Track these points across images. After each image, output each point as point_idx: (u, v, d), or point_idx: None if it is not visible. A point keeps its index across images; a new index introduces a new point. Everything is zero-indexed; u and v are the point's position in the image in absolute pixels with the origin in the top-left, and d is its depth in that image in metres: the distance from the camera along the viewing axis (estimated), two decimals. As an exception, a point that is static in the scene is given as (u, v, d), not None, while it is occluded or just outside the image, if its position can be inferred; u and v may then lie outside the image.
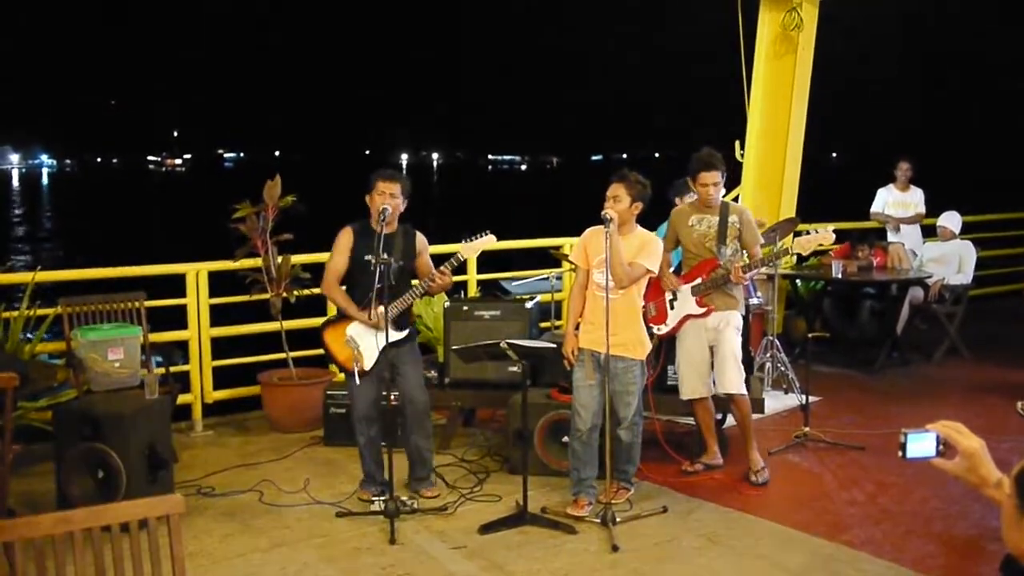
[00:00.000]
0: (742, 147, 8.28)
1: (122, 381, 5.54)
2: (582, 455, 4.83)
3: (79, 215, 43.18)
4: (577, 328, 4.88)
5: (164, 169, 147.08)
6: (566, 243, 7.57)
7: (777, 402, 6.78)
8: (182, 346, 6.46)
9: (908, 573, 4.15)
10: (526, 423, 5.07)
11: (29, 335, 5.83)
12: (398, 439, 5.20)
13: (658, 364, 5.58)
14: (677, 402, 5.45)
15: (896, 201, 8.97)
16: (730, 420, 5.68)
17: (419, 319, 6.56)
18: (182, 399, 6.23)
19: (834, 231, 5.37)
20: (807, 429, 5.96)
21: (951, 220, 8.69)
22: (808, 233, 5.41)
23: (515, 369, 4.91)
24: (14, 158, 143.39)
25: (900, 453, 2.01)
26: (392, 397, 5.02)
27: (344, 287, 5.00)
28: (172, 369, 6.11)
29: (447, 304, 6.07)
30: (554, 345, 4.84)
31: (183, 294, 6.44)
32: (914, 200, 8.97)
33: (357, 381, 4.86)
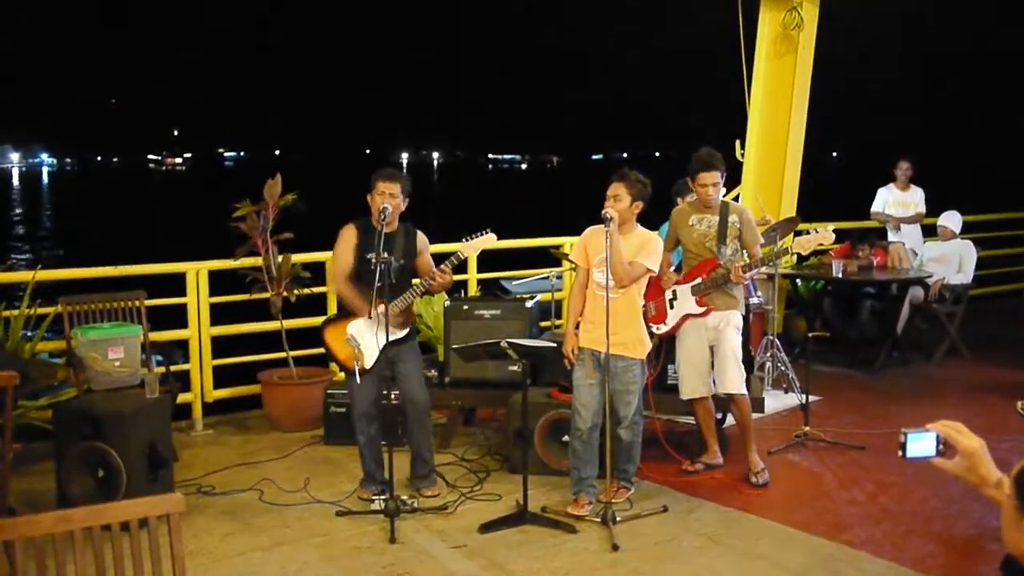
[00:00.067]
0: (742, 147, 8.28)
1: (122, 380, 5.54)
2: (582, 454, 4.83)
3: (79, 214, 43.16)
4: (577, 327, 4.88)
5: (164, 168, 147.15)
6: (566, 242, 7.57)
7: (777, 401, 6.78)
8: (182, 345, 6.46)
9: (908, 573, 4.15)
10: (526, 422, 5.07)
11: (29, 334, 5.83)
12: (398, 438, 5.20)
13: (658, 363, 5.58)
14: (677, 401, 5.45)
15: (896, 201, 8.97)
16: (730, 419, 5.68)
17: (419, 318, 6.56)
18: (182, 398, 6.23)
19: (834, 231, 5.38)
20: (807, 428, 5.96)
21: (951, 219, 8.69)
22: (808, 233, 5.42)
23: (515, 368, 4.91)
24: (14, 157, 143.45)
25: (900, 453, 2.01)
26: (392, 396, 5.02)
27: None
28: (172, 368, 6.10)
29: (447, 303, 6.07)
30: (554, 344, 4.83)
31: (183, 293, 6.44)
32: (914, 200, 8.97)
33: (357, 380, 4.86)
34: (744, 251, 5.27)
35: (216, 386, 6.61)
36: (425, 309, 6.79)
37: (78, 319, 5.74)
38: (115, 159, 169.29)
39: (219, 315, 6.66)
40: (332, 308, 6.64)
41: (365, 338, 4.85)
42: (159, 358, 6.08)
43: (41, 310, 5.87)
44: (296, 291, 6.49)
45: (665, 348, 5.58)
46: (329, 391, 6.01)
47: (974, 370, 7.99)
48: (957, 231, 8.67)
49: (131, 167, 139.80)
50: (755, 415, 5.48)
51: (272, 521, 4.75)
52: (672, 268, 5.47)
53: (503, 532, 4.54)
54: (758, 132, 8.24)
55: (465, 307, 6.02)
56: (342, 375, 5.30)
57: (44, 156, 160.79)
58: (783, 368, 7.06)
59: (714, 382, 5.29)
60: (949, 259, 8.56)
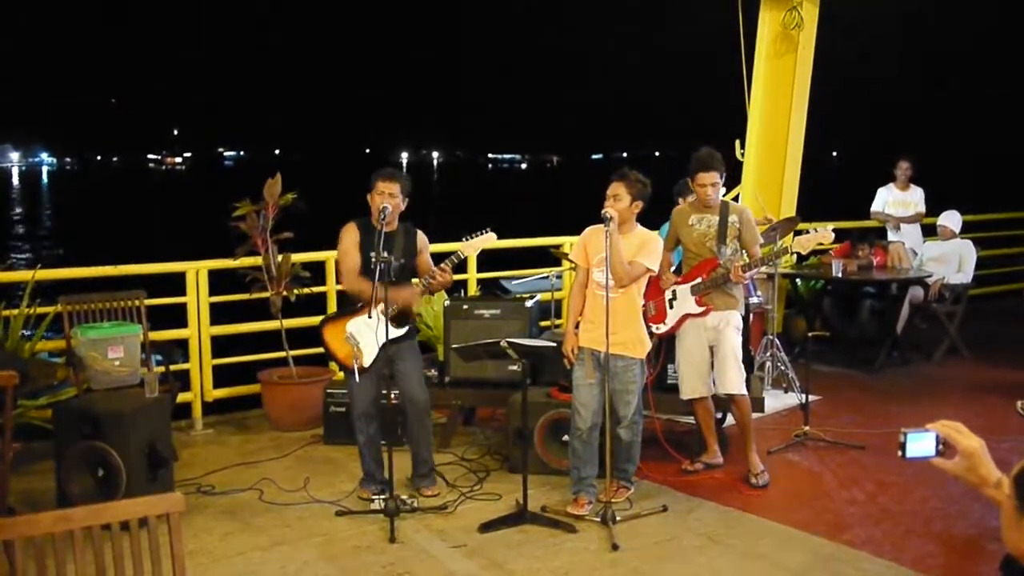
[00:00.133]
0: (742, 147, 8.28)
1: (122, 379, 5.54)
2: (582, 454, 4.83)
3: (79, 213, 43.16)
4: (577, 327, 4.88)
5: (164, 167, 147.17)
6: (566, 242, 7.57)
7: (777, 401, 6.78)
8: (182, 344, 6.46)
9: (908, 572, 4.15)
10: (526, 422, 5.07)
11: (29, 333, 5.83)
12: (398, 437, 5.19)
13: (658, 363, 5.58)
14: (677, 401, 5.45)
15: (896, 200, 8.97)
16: (730, 419, 5.68)
17: (419, 318, 6.56)
18: (182, 397, 6.23)
19: (834, 230, 5.38)
20: (807, 428, 5.96)
21: (951, 219, 8.69)
22: (808, 232, 5.41)
23: (515, 368, 4.90)
24: (14, 156, 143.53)
25: (900, 452, 2.01)
26: (392, 396, 5.02)
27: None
28: (172, 367, 6.10)
29: (447, 303, 6.07)
30: (554, 344, 4.83)
31: (183, 292, 6.44)
32: (914, 199, 8.97)
33: (357, 379, 4.85)
34: (744, 251, 5.27)
35: (216, 385, 6.61)
36: (425, 309, 6.79)
37: (78, 318, 5.74)
38: (115, 159, 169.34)
39: (219, 315, 6.66)
40: (332, 307, 6.65)
41: (364, 336, 4.84)
42: (159, 357, 6.08)
43: (41, 309, 5.87)
44: (296, 291, 6.49)
45: (665, 348, 5.58)
46: (329, 390, 6.01)
47: (974, 370, 7.99)
48: (957, 231, 8.67)
49: (131, 167, 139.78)
50: (755, 415, 5.48)
51: (272, 521, 4.75)
52: (672, 268, 5.47)
53: (503, 532, 4.54)
54: (758, 132, 8.24)
55: (465, 307, 6.02)
56: (342, 375, 5.29)
57: (44, 155, 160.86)
58: (783, 368, 7.06)
59: (714, 382, 5.29)
60: (949, 259, 8.56)
